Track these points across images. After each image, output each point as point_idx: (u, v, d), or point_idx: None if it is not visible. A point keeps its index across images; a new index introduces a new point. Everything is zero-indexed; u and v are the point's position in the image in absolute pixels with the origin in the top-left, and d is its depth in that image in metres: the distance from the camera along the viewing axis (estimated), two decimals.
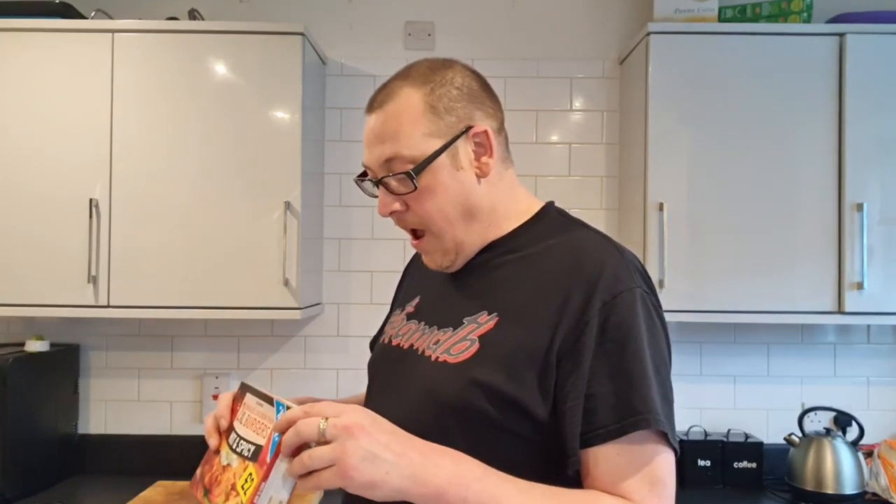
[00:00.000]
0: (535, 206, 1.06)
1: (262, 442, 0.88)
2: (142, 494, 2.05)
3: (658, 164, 2.08)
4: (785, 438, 2.18)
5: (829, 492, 2.06)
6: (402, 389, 0.99)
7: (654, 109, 2.08)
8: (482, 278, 1.01)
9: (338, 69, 2.44)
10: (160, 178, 2.06)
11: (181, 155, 2.07)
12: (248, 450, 0.89)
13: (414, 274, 1.21)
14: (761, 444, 2.25)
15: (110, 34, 2.07)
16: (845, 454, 2.09)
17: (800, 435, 2.17)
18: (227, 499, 0.89)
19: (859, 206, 2.03)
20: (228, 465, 0.92)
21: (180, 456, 2.31)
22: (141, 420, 2.39)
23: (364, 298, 2.42)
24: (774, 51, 2.07)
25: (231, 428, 0.95)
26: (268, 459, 0.85)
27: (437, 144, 0.97)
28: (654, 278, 2.05)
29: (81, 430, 2.38)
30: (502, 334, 0.93)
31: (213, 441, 0.94)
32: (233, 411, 0.96)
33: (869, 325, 2.38)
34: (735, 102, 2.07)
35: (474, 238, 1.01)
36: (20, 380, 2.07)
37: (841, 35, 2.06)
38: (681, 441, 2.24)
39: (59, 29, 2.07)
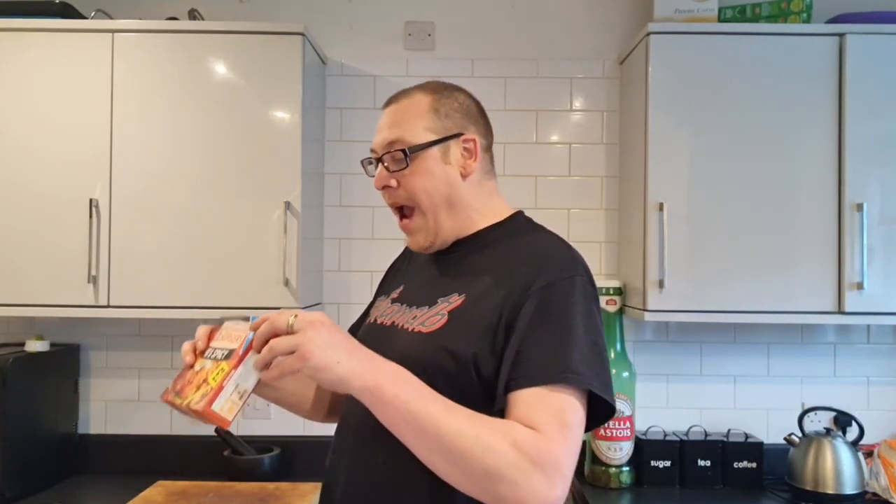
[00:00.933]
0: (507, 212, 1.25)
1: (235, 346, 1.01)
2: (142, 494, 2.05)
3: (658, 164, 2.08)
4: (785, 438, 2.18)
5: (829, 492, 2.06)
6: (383, 355, 1.11)
7: (654, 109, 2.08)
8: (456, 267, 1.20)
9: (338, 69, 2.44)
10: (160, 177, 2.06)
11: (181, 155, 2.07)
12: (223, 353, 1.02)
13: (399, 269, 1.41)
14: (761, 444, 2.25)
15: (110, 34, 2.07)
16: (845, 454, 2.09)
17: (800, 435, 2.17)
18: (196, 390, 1.00)
19: (859, 206, 2.03)
20: (202, 369, 1.03)
21: (180, 456, 2.32)
22: (141, 420, 2.39)
23: (364, 298, 2.37)
24: (774, 51, 2.07)
25: (206, 349, 1.07)
26: (240, 352, 0.99)
27: (433, 138, 1.18)
28: (654, 278, 2.06)
29: (81, 430, 2.38)
30: (466, 310, 1.10)
31: (188, 358, 1.07)
32: (210, 339, 1.08)
33: (869, 325, 2.38)
34: (735, 102, 2.07)
35: (451, 225, 1.20)
36: (20, 380, 2.07)
37: (841, 35, 2.06)
38: (681, 441, 2.24)
39: (59, 29, 2.08)
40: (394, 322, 1.20)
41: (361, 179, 2.43)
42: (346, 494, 1.14)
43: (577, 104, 2.43)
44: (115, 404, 2.40)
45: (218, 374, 0.99)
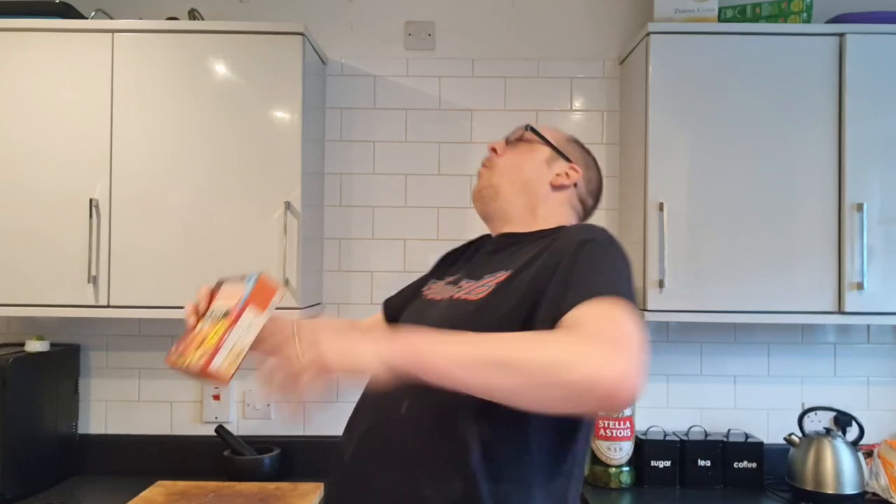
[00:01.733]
0: (565, 223, 1.30)
1: (232, 304, 1.03)
2: (142, 494, 2.05)
3: (658, 164, 2.08)
4: (785, 438, 2.18)
5: (829, 492, 2.07)
6: (424, 321, 1.16)
7: (654, 109, 2.08)
8: (505, 253, 1.24)
9: (338, 69, 2.44)
10: (160, 177, 2.06)
11: (181, 155, 2.07)
12: (221, 313, 1.03)
13: (458, 259, 1.41)
14: (761, 444, 2.25)
15: (110, 34, 2.07)
16: (845, 454, 2.09)
17: (800, 435, 2.18)
18: (197, 348, 1.01)
19: (859, 206, 2.03)
20: (202, 329, 1.04)
21: (180, 456, 2.32)
22: (141, 420, 2.39)
23: (364, 298, 2.42)
24: (774, 51, 2.07)
25: (206, 310, 1.09)
26: (237, 310, 1.01)
27: (554, 145, 1.32)
28: (654, 278, 2.06)
29: (81, 430, 2.38)
30: (512, 281, 1.12)
31: (191, 319, 1.10)
32: (211, 300, 1.10)
33: (869, 325, 2.38)
34: (735, 102, 2.07)
35: (513, 203, 1.28)
36: (20, 380, 2.07)
37: (841, 35, 2.06)
38: (681, 441, 2.24)
39: (59, 29, 2.07)
40: (443, 297, 1.24)
41: (361, 179, 2.43)
42: (365, 442, 1.13)
43: (577, 104, 2.43)
44: (115, 404, 2.40)
45: (216, 333, 1.00)
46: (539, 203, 1.28)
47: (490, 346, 0.91)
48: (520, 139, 1.32)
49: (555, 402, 0.90)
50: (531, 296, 1.06)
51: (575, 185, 1.31)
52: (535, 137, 1.31)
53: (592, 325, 0.92)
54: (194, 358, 0.99)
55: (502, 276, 1.15)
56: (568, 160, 1.31)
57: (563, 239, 1.11)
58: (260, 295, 1.05)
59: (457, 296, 1.19)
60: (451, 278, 1.32)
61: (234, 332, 0.99)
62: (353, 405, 1.23)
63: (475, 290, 1.16)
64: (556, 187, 1.29)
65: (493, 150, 1.33)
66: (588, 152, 1.38)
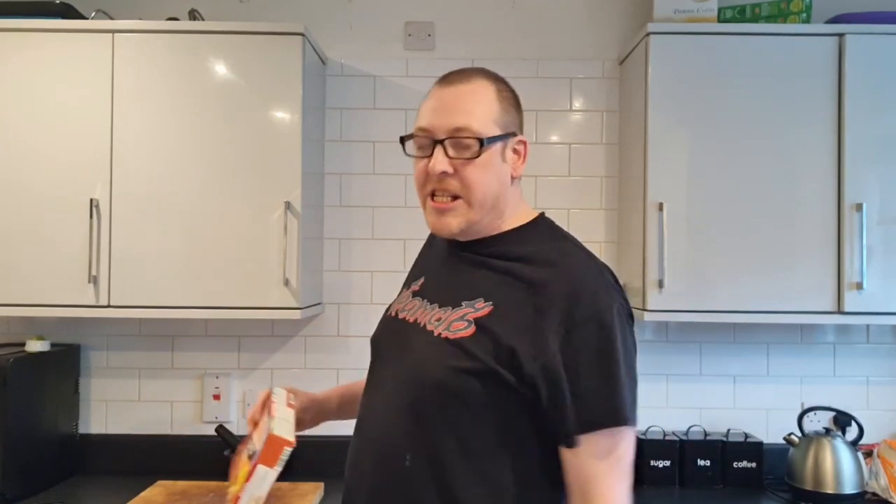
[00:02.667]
0: (531, 215, 1.20)
1: (259, 447, 1.13)
2: (142, 494, 2.05)
3: (658, 164, 2.08)
4: (785, 438, 2.18)
5: (829, 491, 2.07)
6: (404, 355, 1.13)
7: (653, 110, 2.08)
8: (480, 269, 1.14)
9: (338, 69, 2.44)
10: (161, 177, 2.06)
11: (181, 155, 2.07)
12: (252, 450, 1.14)
13: (422, 258, 1.36)
14: (761, 443, 2.25)
15: (110, 34, 2.07)
16: (845, 454, 2.09)
17: (799, 435, 2.18)
18: (233, 484, 1.15)
19: (859, 207, 2.03)
20: (245, 456, 1.17)
21: (180, 456, 2.32)
22: (141, 420, 2.39)
23: (364, 298, 2.42)
24: (774, 51, 2.07)
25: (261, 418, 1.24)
26: (253, 462, 1.12)
27: (498, 132, 1.12)
28: (654, 278, 2.06)
29: (82, 430, 2.38)
30: (496, 322, 1.06)
31: (249, 427, 1.21)
32: (264, 408, 1.23)
33: (868, 325, 2.38)
34: (735, 102, 2.07)
35: (487, 222, 1.15)
36: (21, 380, 2.07)
37: (840, 35, 2.06)
38: (681, 441, 2.25)
39: (59, 29, 2.08)
40: (416, 319, 1.16)
41: (361, 179, 2.43)
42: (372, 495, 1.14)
43: (577, 104, 2.43)
44: (115, 404, 2.40)
45: (242, 475, 1.13)
46: (506, 205, 1.16)
47: None
48: (466, 147, 1.10)
49: None
50: (509, 348, 1.04)
51: (525, 150, 1.19)
52: (490, 143, 1.11)
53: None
54: (231, 491, 1.15)
55: (483, 309, 1.08)
56: (512, 134, 1.14)
57: (561, 303, 1.03)
58: (270, 450, 1.15)
59: (437, 331, 1.10)
60: (415, 286, 1.25)
61: (251, 485, 1.12)
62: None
63: (453, 323, 1.08)
64: (516, 175, 1.17)
65: (444, 173, 1.11)
66: (495, 75, 1.17)
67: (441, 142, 1.11)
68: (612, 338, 1.03)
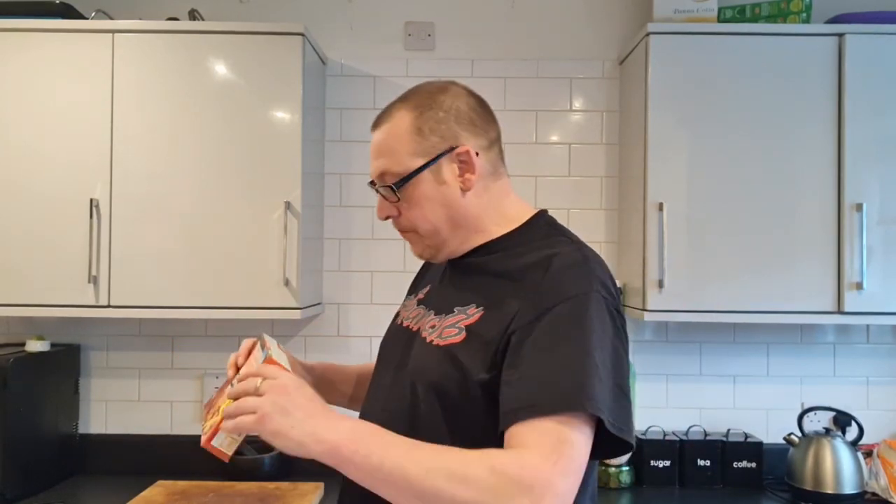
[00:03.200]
0: (526, 214, 1.17)
1: None
2: (142, 494, 2.05)
3: (658, 164, 2.08)
4: (784, 438, 2.18)
5: (829, 491, 2.07)
6: (401, 364, 1.13)
7: (653, 109, 2.08)
8: (474, 275, 1.14)
9: (338, 69, 2.44)
10: (161, 178, 2.06)
11: (182, 155, 2.07)
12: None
13: (431, 266, 1.33)
14: (761, 443, 2.25)
15: (110, 34, 2.07)
16: (845, 454, 2.09)
17: (799, 435, 2.18)
18: (210, 419, 1.06)
19: (858, 207, 2.03)
20: (226, 391, 1.07)
21: (180, 456, 2.32)
22: (141, 420, 2.39)
23: (364, 298, 2.42)
24: (774, 51, 2.07)
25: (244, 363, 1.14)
26: None
27: (420, 162, 1.10)
28: (654, 278, 2.05)
29: (82, 430, 2.38)
30: (484, 325, 1.05)
31: (230, 372, 1.14)
32: (249, 354, 1.15)
33: (868, 325, 2.38)
34: (735, 102, 2.07)
35: (458, 241, 1.14)
36: (21, 380, 2.08)
37: (840, 35, 2.06)
38: (681, 441, 2.24)
39: (59, 29, 2.08)
40: (418, 328, 1.16)
41: (361, 179, 2.43)
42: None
43: (577, 104, 2.43)
44: (115, 404, 2.40)
45: (222, 408, 1.01)
46: (476, 216, 1.13)
47: (407, 464, 0.91)
48: (389, 192, 1.12)
49: None
50: (495, 352, 1.01)
51: (476, 154, 1.11)
52: (402, 184, 1.10)
53: (519, 460, 0.89)
54: (205, 427, 1.04)
55: (473, 315, 1.06)
56: (445, 152, 1.10)
57: (534, 295, 1.01)
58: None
59: (430, 338, 1.10)
60: (421, 294, 1.25)
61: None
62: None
63: (445, 330, 1.08)
64: (467, 188, 1.11)
65: (388, 217, 1.16)
66: (423, 99, 1.13)
67: (377, 190, 1.15)
68: (575, 314, 0.97)
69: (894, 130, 2.06)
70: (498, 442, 0.95)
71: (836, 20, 2.16)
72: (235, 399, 0.98)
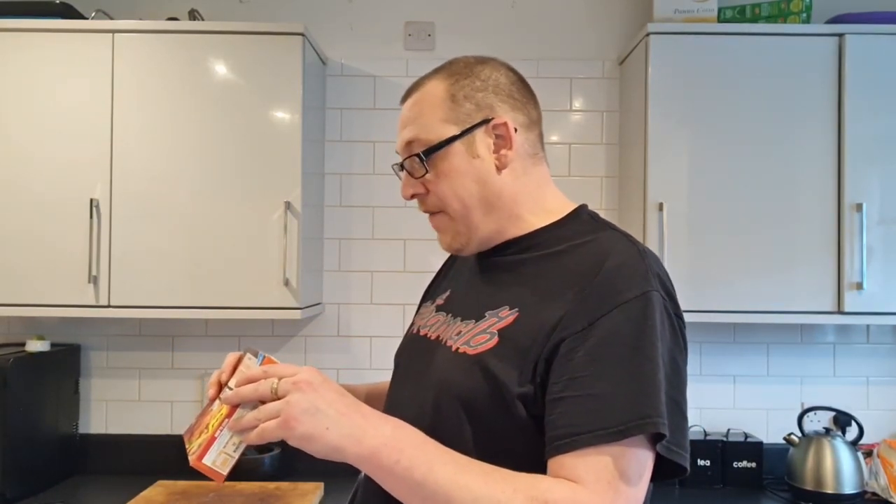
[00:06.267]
0: (567, 208, 1.06)
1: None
2: (142, 494, 2.05)
3: (658, 164, 2.08)
4: (784, 438, 2.18)
5: (829, 491, 2.07)
6: (422, 377, 1.01)
7: (653, 109, 2.08)
8: (507, 273, 1.02)
9: (338, 69, 2.44)
10: (161, 178, 2.06)
11: (181, 155, 2.07)
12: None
13: (449, 271, 1.23)
14: (761, 443, 2.25)
15: (110, 34, 2.07)
16: (845, 454, 2.09)
17: (799, 435, 2.18)
18: (199, 437, 0.92)
19: (859, 207, 2.03)
20: (210, 412, 0.95)
21: (180, 456, 2.29)
22: (141, 420, 2.39)
23: (364, 298, 2.42)
24: (774, 51, 2.07)
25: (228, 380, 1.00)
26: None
27: (453, 131, 1.00)
28: None
29: (82, 430, 2.38)
30: (520, 329, 0.93)
31: (211, 391, 0.96)
32: (234, 370, 0.99)
33: (868, 325, 2.38)
34: (734, 102, 2.07)
35: (491, 227, 1.03)
36: (21, 380, 2.07)
37: (840, 35, 2.06)
38: None
39: (59, 29, 2.08)
40: (438, 336, 1.05)
41: (361, 179, 2.43)
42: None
43: (577, 104, 2.44)
44: (115, 404, 2.40)
45: (215, 420, 0.91)
46: (512, 199, 1.02)
47: (452, 487, 0.82)
48: (418, 164, 1.02)
49: None
50: (535, 362, 0.90)
51: (515, 130, 1.01)
52: (432, 152, 1.01)
53: (574, 497, 0.81)
54: (193, 447, 0.91)
55: (507, 318, 0.95)
56: (480, 123, 1.00)
57: (588, 295, 0.89)
58: None
59: (456, 346, 0.98)
60: (440, 300, 1.14)
61: (232, 422, 0.89)
62: None
63: (475, 337, 0.96)
64: (503, 166, 1.01)
65: (413, 196, 1.05)
66: (460, 67, 1.05)
67: (402, 165, 1.04)
68: (643, 333, 0.86)
69: (894, 130, 2.06)
70: (533, 468, 0.85)
71: (836, 20, 2.16)
72: (235, 406, 0.88)
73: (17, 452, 2.06)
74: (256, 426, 0.85)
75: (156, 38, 2.08)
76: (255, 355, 0.99)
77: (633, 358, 0.85)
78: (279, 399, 0.85)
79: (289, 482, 2.17)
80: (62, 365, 2.31)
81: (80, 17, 2.18)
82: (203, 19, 2.28)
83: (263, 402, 0.86)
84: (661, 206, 2.06)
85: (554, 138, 2.43)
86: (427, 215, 1.08)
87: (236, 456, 0.90)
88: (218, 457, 0.89)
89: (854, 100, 2.04)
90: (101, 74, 2.06)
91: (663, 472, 0.88)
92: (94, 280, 2.04)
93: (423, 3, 2.45)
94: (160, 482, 2.15)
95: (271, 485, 2.13)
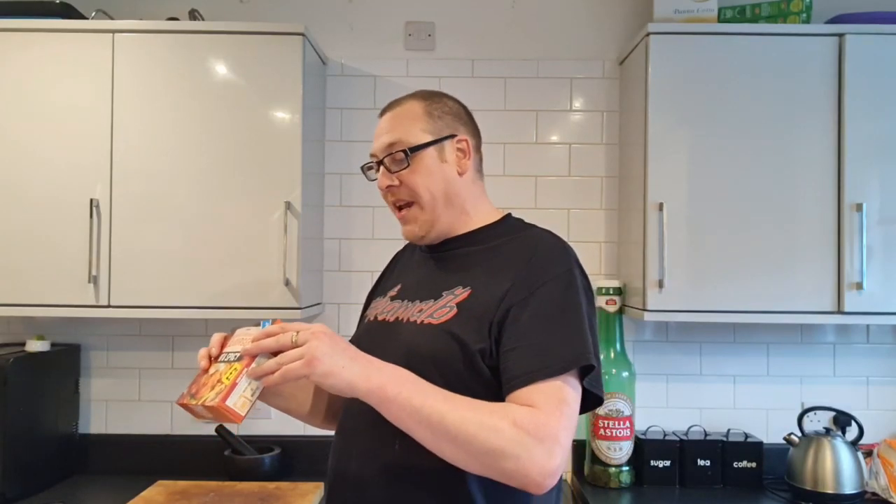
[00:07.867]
0: (499, 214, 1.34)
1: (247, 347, 1.08)
2: (142, 494, 2.05)
3: (658, 164, 2.08)
4: (784, 438, 2.18)
5: (829, 491, 2.07)
6: (388, 349, 1.17)
7: (653, 109, 2.08)
8: (455, 262, 1.28)
9: (338, 69, 2.44)
10: (161, 177, 2.06)
11: (182, 155, 2.07)
12: (235, 356, 1.09)
13: (393, 271, 1.46)
14: (761, 443, 2.25)
15: (110, 34, 2.07)
16: (845, 454, 2.09)
17: (799, 435, 2.18)
18: (211, 390, 1.06)
19: (858, 207, 2.03)
20: (216, 372, 1.09)
21: (180, 456, 2.33)
22: (141, 420, 2.39)
23: (364, 298, 2.41)
24: (774, 51, 2.07)
25: (219, 354, 1.14)
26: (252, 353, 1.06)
27: (430, 138, 1.27)
28: (654, 278, 2.06)
29: (82, 430, 2.38)
30: (474, 302, 1.18)
31: (203, 362, 1.14)
32: (223, 346, 1.15)
33: (868, 325, 2.38)
34: (735, 102, 2.07)
35: (447, 219, 1.28)
36: (21, 380, 2.08)
37: (840, 35, 2.06)
38: (681, 441, 2.25)
39: (59, 29, 2.08)
40: (398, 318, 1.25)
41: (361, 179, 2.40)
42: (361, 482, 1.18)
43: (577, 104, 2.44)
44: (115, 404, 2.40)
45: (231, 373, 1.06)
46: (466, 199, 1.29)
47: (444, 411, 1.03)
48: (399, 160, 1.26)
49: (486, 474, 1.05)
50: (490, 329, 1.14)
51: (471, 147, 1.31)
52: (415, 150, 1.25)
53: (534, 417, 1.04)
54: (209, 396, 1.05)
55: (461, 294, 1.19)
56: (449, 136, 1.28)
57: (527, 273, 1.16)
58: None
59: (420, 319, 1.20)
60: (393, 292, 1.33)
61: (250, 370, 1.05)
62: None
63: (437, 311, 1.19)
64: (462, 171, 1.29)
65: (390, 186, 1.28)
66: (429, 94, 1.33)
67: (381, 161, 1.28)
68: (570, 297, 1.14)
69: (894, 130, 2.06)
70: (490, 394, 1.10)
71: (836, 20, 2.16)
72: (252, 358, 1.05)
73: (17, 452, 2.06)
74: (277, 370, 1.02)
75: (156, 38, 2.08)
76: (254, 326, 1.13)
77: (565, 314, 1.13)
78: (298, 347, 1.03)
79: (289, 482, 2.17)
80: (62, 365, 2.31)
81: (80, 17, 2.18)
82: (203, 19, 2.28)
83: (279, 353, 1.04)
84: (661, 206, 2.06)
85: (554, 138, 2.43)
86: (399, 221, 1.31)
87: (253, 400, 1.05)
88: (238, 399, 1.04)
89: (854, 100, 2.05)
90: (101, 74, 2.06)
91: (586, 405, 1.14)
92: (94, 280, 2.04)
93: (423, 3, 2.45)
94: (160, 482, 2.16)
95: (271, 485, 2.13)
